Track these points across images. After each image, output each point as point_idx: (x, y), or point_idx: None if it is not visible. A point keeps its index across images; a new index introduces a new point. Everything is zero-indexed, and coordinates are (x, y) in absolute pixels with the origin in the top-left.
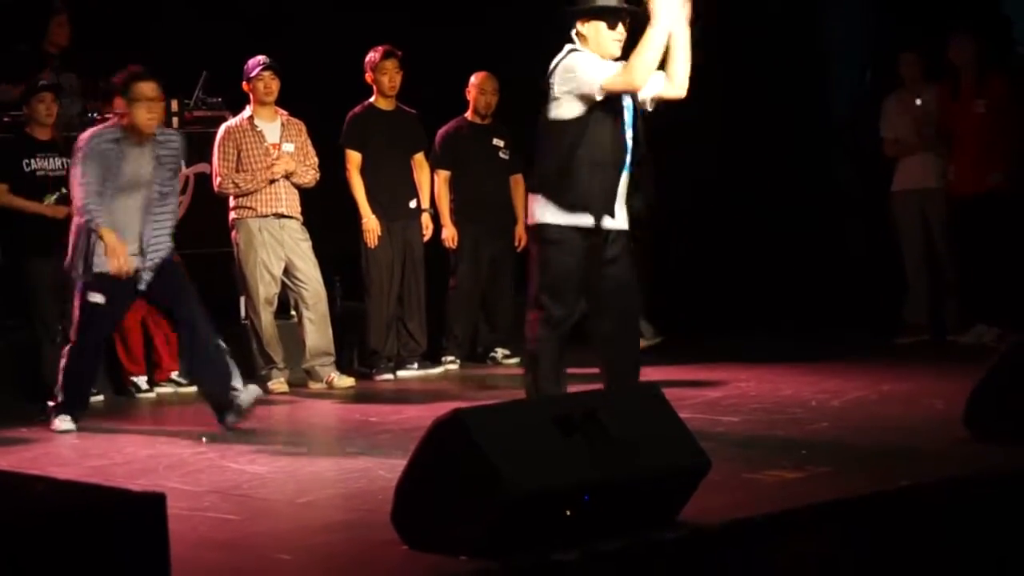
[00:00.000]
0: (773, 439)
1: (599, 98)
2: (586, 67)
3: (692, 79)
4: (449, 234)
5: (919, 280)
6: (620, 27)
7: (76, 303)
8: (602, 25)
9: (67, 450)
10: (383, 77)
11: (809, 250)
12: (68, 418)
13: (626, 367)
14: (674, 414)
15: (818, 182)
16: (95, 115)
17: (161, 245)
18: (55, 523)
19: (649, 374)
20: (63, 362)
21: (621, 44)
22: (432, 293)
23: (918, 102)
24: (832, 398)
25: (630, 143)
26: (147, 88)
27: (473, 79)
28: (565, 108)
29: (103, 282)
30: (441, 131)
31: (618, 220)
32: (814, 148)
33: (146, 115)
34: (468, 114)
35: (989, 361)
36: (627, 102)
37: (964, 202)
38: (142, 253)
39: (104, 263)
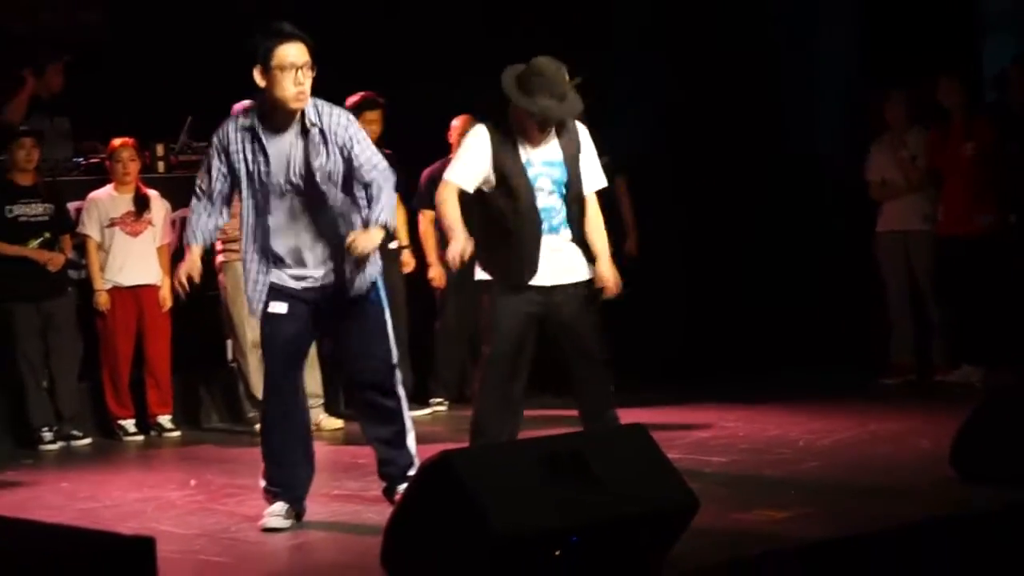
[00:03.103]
0: (761, 479)
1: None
2: (461, 151)
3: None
4: (436, 274)
5: (903, 320)
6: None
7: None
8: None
9: (55, 494)
10: (365, 126)
11: (795, 290)
12: None
13: (595, 407)
14: (662, 455)
15: (804, 221)
16: (81, 159)
17: None
18: (44, 568)
19: (637, 415)
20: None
21: (537, 131)
22: (418, 335)
23: (905, 151)
24: (819, 438)
25: (555, 207)
26: None
27: (455, 122)
28: None
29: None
30: (426, 172)
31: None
32: (798, 188)
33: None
34: (451, 155)
35: (975, 401)
36: (546, 170)
37: (952, 243)
38: None
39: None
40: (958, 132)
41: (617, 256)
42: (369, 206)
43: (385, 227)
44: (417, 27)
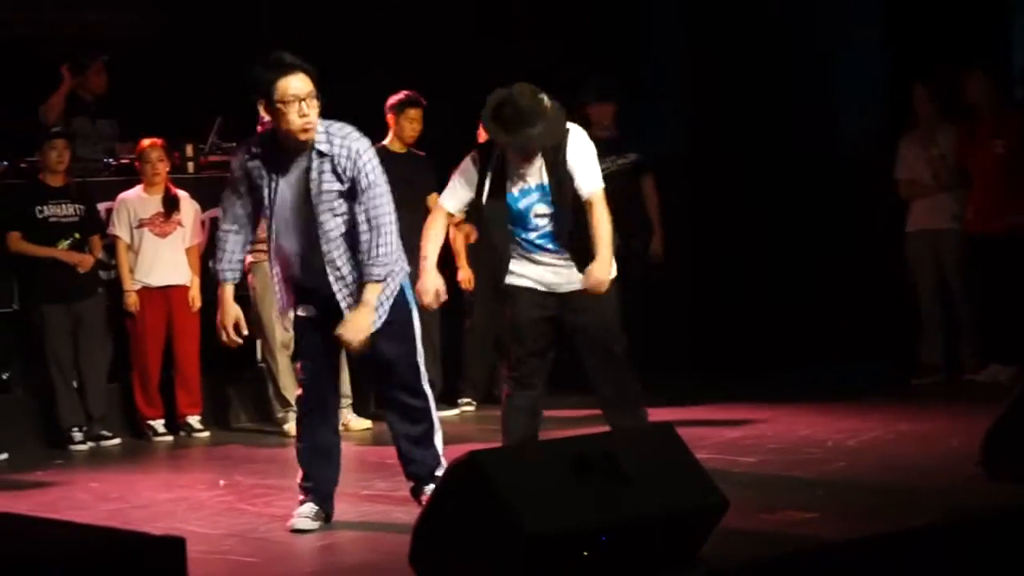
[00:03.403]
0: (790, 479)
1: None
2: (455, 175)
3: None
4: (465, 276)
5: (933, 320)
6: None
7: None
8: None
9: (84, 494)
10: (407, 124)
11: (824, 289)
12: None
13: (615, 405)
14: (690, 455)
15: (833, 218)
16: (112, 160)
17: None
18: (75, 568)
19: (666, 415)
20: None
21: (522, 158)
22: (447, 335)
23: (935, 150)
24: (848, 438)
25: (537, 220)
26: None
27: None
28: None
29: None
30: (454, 173)
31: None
32: (827, 184)
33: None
34: None
35: (1005, 400)
36: (537, 197)
37: (981, 241)
38: None
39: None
40: (986, 128)
41: (644, 255)
42: (365, 254)
43: (380, 281)
44: (446, 29)
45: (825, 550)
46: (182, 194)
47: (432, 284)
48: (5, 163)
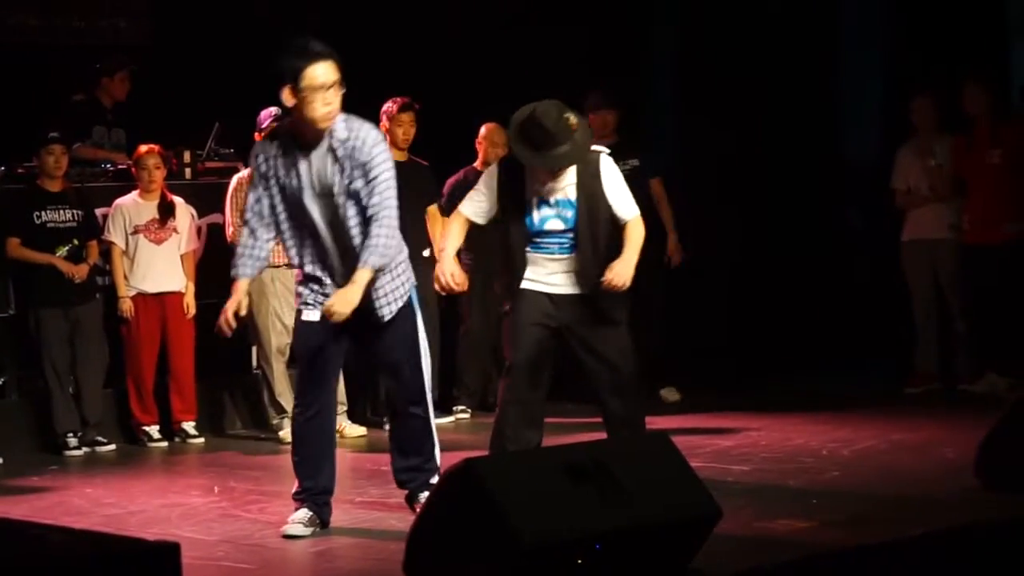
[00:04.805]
0: (784, 488)
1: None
2: (478, 184)
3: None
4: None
5: (928, 329)
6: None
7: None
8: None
9: (79, 500)
10: (398, 129)
11: (820, 298)
12: None
13: (615, 415)
14: (685, 463)
15: (830, 228)
16: (109, 166)
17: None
18: (71, 573)
19: (660, 423)
20: None
21: (549, 175)
22: (443, 342)
23: (932, 160)
24: (842, 447)
25: (553, 236)
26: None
27: (483, 130)
28: None
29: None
30: (450, 180)
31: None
32: (826, 195)
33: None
34: (477, 164)
35: (1000, 410)
36: (556, 210)
37: (978, 252)
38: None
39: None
40: (984, 139)
41: (660, 261)
42: (365, 241)
43: (374, 269)
44: (446, 42)
45: (819, 559)
46: (178, 200)
47: (448, 268)
48: (2, 168)
